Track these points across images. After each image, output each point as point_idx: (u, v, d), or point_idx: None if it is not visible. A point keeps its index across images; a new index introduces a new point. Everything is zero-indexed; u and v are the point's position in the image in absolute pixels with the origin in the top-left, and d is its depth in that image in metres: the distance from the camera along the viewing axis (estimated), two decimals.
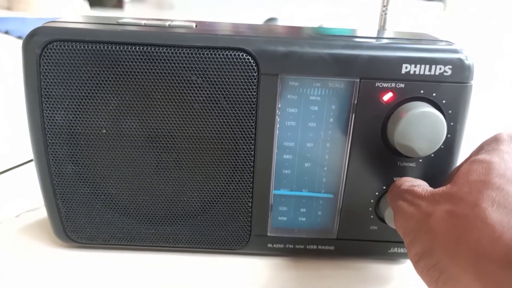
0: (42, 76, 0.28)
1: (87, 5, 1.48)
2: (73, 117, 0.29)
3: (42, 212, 0.36)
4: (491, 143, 0.25)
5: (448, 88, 0.29)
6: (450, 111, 0.29)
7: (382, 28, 0.34)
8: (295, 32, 0.33)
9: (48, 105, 0.29)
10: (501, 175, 0.22)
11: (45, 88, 0.29)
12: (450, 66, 0.28)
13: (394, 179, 0.31)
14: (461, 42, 0.31)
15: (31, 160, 0.32)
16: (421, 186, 0.27)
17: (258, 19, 0.96)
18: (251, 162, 0.31)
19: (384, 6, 0.34)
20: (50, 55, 0.28)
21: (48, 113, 0.29)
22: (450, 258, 0.21)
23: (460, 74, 0.28)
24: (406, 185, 0.28)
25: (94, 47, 0.28)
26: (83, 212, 0.32)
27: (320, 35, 0.31)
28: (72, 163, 0.31)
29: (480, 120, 0.60)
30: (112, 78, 0.29)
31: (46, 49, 0.28)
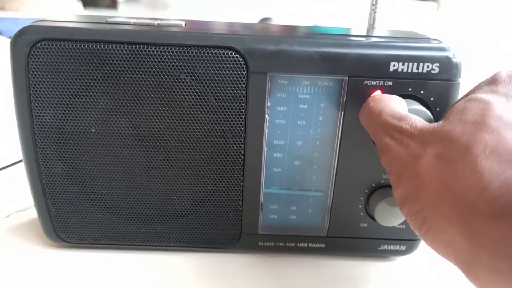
0: (30, 75, 0.28)
1: (80, 5, 1.48)
2: (62, 116, 0.29)
3: (32, 212, 0.36)
4: (490, 84, 0.23)
5: (436, 86, 0.29)
6: (438, 109, 0.29)
7: (371, 26, 0.35)
8: (285, 31, 0.33)
9: (36, 104, 0.29)
10: (498, 118, 0.20)
11: (33, 87, 0.29)
12: (438, 64, 0.28)
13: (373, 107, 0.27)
14: (454, 41, 0.31)
15: (20, 161, 0.31)
16: (408, 120, 0.24)
17: (253, 19, 0.96)
18: (241, 160, 0.31)
19: (373, 5, 0.34)
20: (39, 54, 0.28)
21: (37, 113, 0.29)
22: (435, 207, 0.20)
23: (448, 71, 0.29)
24: (391, 119, 0.24)
25: (82, 46, 0.28)
26: (73, 212, 0.32)
27: (309, 34, 0.31)
28: (61, 162, 0.31)
29: None
30: (101, 77, 0.28)
31: (34, 48, 0.28)
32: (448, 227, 0.20)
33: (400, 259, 0.35)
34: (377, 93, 0.29)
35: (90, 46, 0.28)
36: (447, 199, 0.20)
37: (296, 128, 0.31)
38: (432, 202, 0.21)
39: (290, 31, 0.33)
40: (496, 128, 0.20)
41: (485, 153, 0.19)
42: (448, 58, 0.28)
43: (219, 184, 0.31)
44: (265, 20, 1.00)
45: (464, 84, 0.29)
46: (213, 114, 0.29)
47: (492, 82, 0.24)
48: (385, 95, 0.28)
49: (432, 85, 0.29)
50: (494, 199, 0.18)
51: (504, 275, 0.18)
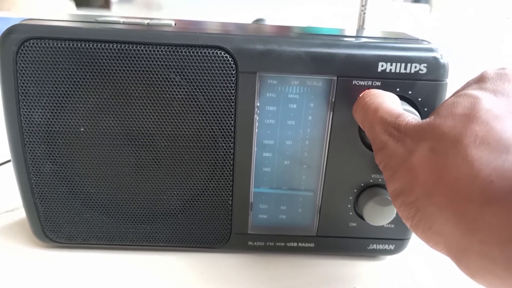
0: (19, 74, 0.28)
1: (73, 5, 1.47)
2: (50, 116, 0.29)
3: (21, 213, 0.36)
4: (478, 81, 0.24)
5: (423, 86, 0.29)
6: (426, 109, 0.29)
7: (360, 27, 0.35)
8: (275, 31, 0.34)
9: (25, 103, 0.29)
10: (487, 110, 0.21)
11: (22, 87, 0.28)
12: (425, 65, 0.29)
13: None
14: (446, 42, 0.31)
15: (9, 160, 0.31)
16: (404, 117, 0.24)
17: (247, 20, 0.96)
18: (231, 160, 0.31)
19: (362, 6, 0.35)
20: (27, 53, 0.28)
21: (25, 112, 0.29)
22: (427, 197, 0.21)
23: (435, 72, 0.29)
24: (387, 116, 0.25)
25: (71, 45, 0.28)
26: (61, 212, 0.32)
27: (299, 34, 0.31)
28: (50, 162, 0.30)
29: None
30: (89, 76, 0.28)
31: (22, 46, 0.28)
32: (439, 216, 0.20)
33: (389, 258, 0.35)
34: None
35: (79, 45, 0.28)
36: (439, 188, 0.20)
37: (285, 128, 0.31)
38: (425, 192, 0.21)
39: (279, 31, 0.33)
40: (485, 119, 0.20)
41: (476, 143, 0.20)
42: (435, 58, 0.29)
43: (208, 184, 0.31)
44: (258, 21, 1.01)
45: (455, 85, 0.30)
46: (203, 114, 0.29)
47: (481, 79, 0.24)
48: (380, 90, 0.28)
49: (420, 86, 0.29)
50: (485, 185, 0.18)
51: (495, 260, 0.18)
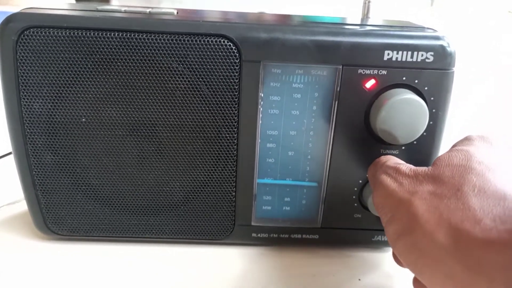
0: (19, 64, 0.28)
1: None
2: (51, 106, 0.29)
3: (22, 205, 0.36)
4: (464, 141, 0.26)
5: (430, 75, 0.29)
6: (432, 98, 0.29)
7: (365, 16, 0.34)
8: (279, 20, 0.33)
9: (25, 93, 0.28)
10: (480, 162, 0.23)
11: (22, 76, 0.28)
12: (432, 53, 0.28)
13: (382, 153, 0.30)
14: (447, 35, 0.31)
15: (10, 153, 0.31)
16: (406, 165, 0.27)
17: None
18: (234, 151, 0.30)
19: None
20: (27, 42, 0.27)
21: (26, 102, 0.29)
22: (430, 237, 0.22)
23: (442, 60, 0.28)
24: (391, 162, 0.27)
25: (72, 34, 0.27)
26: (63, 203, 0.31)
27: (303, 22, 0.31)
28: (51, 153, 0.30)
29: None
30: (91, 65, 0.28)
31: (22, 35, 0.27)
32: (446, 258, 0.21)
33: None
34: None
35: (80, 34, 0.27)
36: (442, 229, 0.21)
37: (289, 118, 0.30)
38: (427, 232, 0.22)
39: (283, 19, 0.33)
40: (480, 171, 0.22)
41: (474, 192, 0.21)
42: (442, 47, 0.28)
43: (212, 175, 0.31)
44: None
45: (458, 79, 0.29)
46: (206, 104, 0.29)
47: (466, 140, 0.26)
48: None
49: (427, 74, 0.29)
50: (489, 228, 0.19)
51: None
